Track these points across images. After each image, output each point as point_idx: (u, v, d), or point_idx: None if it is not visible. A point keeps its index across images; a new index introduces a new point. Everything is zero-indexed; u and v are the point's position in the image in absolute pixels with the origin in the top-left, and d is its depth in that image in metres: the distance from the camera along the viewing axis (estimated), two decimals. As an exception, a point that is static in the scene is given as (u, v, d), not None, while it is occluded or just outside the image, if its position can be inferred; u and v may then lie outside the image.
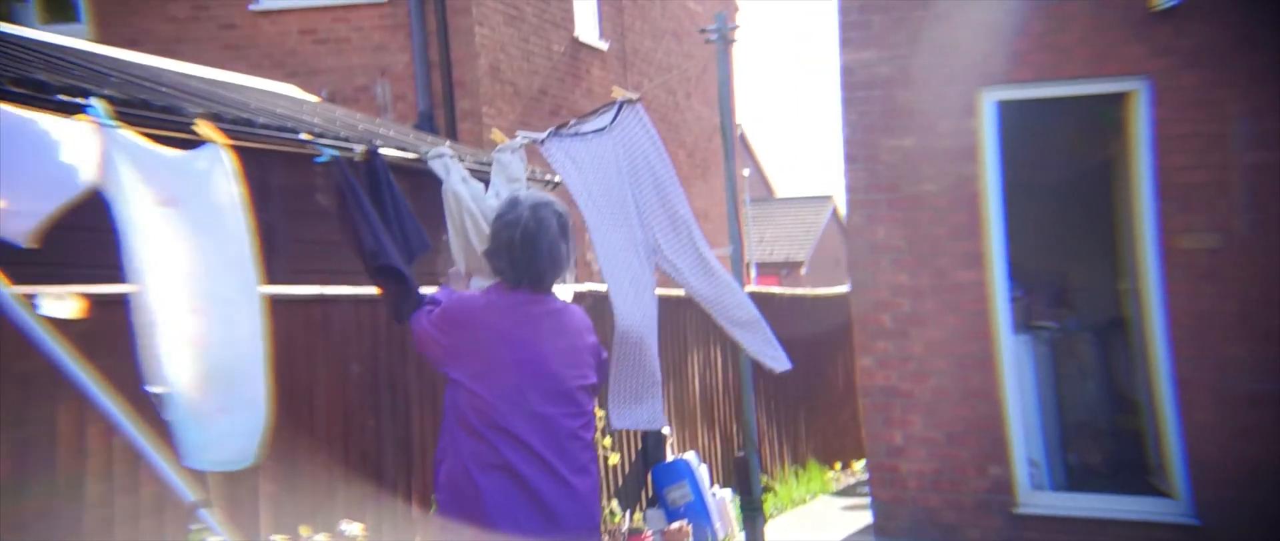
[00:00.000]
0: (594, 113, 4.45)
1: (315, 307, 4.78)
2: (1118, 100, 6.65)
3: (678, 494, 6.68)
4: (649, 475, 6.80)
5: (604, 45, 13.26)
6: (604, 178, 4.18)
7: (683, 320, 8.14)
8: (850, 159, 6.87)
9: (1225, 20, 6.17)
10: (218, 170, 3.33)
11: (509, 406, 3.25)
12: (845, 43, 6.93)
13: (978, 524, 6.55)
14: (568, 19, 12.78)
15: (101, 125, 3.03)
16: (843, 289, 11.05)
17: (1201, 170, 6.19)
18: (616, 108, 4.39)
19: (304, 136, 4.26)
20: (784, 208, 34.84)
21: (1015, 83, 6.58)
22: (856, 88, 6.86)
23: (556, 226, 3.40)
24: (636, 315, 4.09)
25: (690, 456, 6.87)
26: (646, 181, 4.28)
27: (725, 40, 7.40)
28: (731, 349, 8.48)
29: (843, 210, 7.43)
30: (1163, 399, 6.30)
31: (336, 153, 3.69)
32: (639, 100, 4.40)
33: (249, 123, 5.69)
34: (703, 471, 6.94)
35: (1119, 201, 7.19)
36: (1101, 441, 7.84)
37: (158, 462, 3.05)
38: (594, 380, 3.51)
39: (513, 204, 3.47)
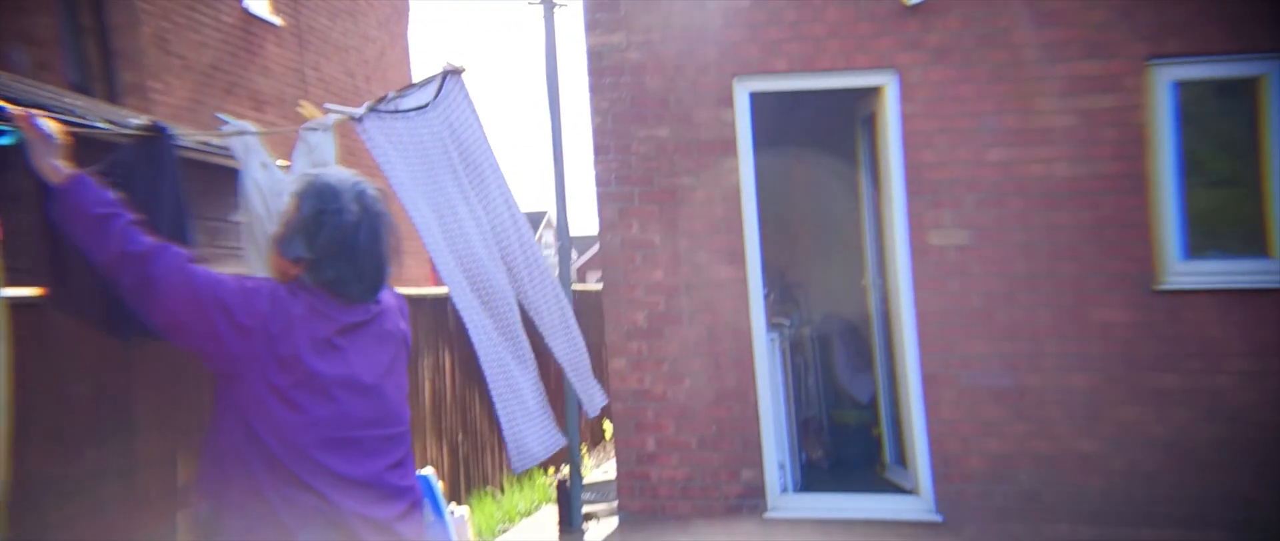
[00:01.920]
0: (414, 85, 3.82)
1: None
2: (868, 94, 6.60)
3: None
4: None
5: (278, 20, 12.30)
6: (429, 166, 3.59)
7: (413, 323, 7.54)
8: (600, 149, 6.49)
9: (970, 16, 6.19)
10: None
11: (324, 437, 2.53)
12: (591, 25, 6.54)
13: (728, 530, 6.33)
14: (234, -13, 11.64)
15: None
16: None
17: (949, 166, 6.19)
18: (440, 79, 3.81)
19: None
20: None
21: (769, 73, 6.39)
22: (604, 73, 6.49)
23: (386, 214, 2.70)
24: (490, 327, 3.56)
25: (428, 473, 6.35)
26: (473, 169, 3.74)
27: (551, 3, 6.82)
28: (460, 352, 7.97)
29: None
30: (909, 395, 6.27)
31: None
32: (464, 71, 3.84)
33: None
34: (439, 489, 6.44)
35: (863, 197, 7.16)
36: (822, 438, 7.90)
37: None
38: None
39: (330, 193, 2.63)
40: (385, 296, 2.82)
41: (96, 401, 3.84)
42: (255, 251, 3.57)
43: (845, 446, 7.95)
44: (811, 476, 7.31)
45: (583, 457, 10.84)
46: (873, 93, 6.49)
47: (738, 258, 6.39)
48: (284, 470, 2.48)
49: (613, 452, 11.72)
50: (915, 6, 6.18)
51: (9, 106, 2.67)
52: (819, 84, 6.43)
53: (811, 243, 8.88)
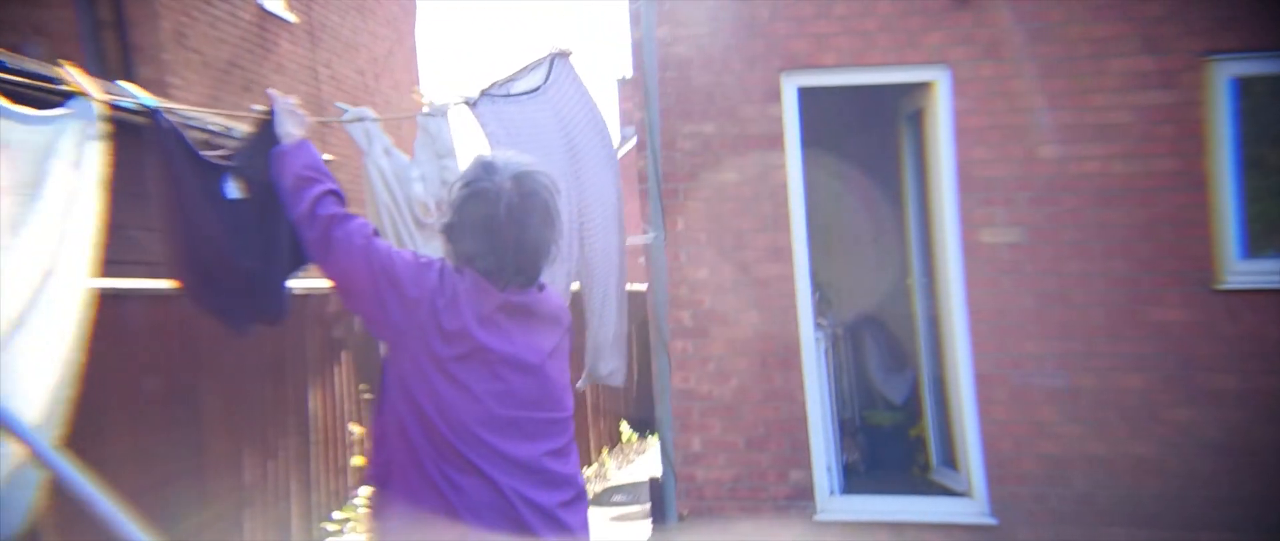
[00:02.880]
0: (523, 69, 3.75)
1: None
2: (914, 90, 6.50)
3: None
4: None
5: (292, 17, 12.22)
6: (544, 150, 3.50)
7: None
8: (643, 145, 6.39)
9: (1023, 11, 6.09)
10: (81, 137, 2.43)
11: (488, 414, 2.49)
12: (636, 19, 6.44)
13: (778, 533, 6.23)
14: (252, -16, 11.56)
15: None
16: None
17: (1001, 163, 6.09)
18: (549, 62, 3.72)
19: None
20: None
21: (818, 68, 6.29)
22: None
23: (547, 202, 2.60)
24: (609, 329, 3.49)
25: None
26: (583, 155, 3.65)
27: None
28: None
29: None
30: (961, 396, 6.17)
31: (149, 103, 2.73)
32: (572, 53, 3.75)
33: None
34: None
35: (907, 195, 7.06)
36: (857, 440, 7.79)
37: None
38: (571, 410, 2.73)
39: (487, 169, 2.59)
40: (548, 290, 2.74)
41: (168, 396, 3.74)
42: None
43: (880, 448, 7.84)
44: (850, 479, 7.21)
45: (604, 459, 10.75)
46: (920, 88, 6.39)
47: (784, 255, 6.29)
48: (448, 448, 2.46)
49: (631, 455, 11.63)
50: (967, 0, 6.08)
51: (272, 91, 3.02)
52: (869, 79, 6.33)
53: (843, 242, 8.76)
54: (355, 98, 13.35)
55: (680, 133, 6.36)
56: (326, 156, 3.68)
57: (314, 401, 5.12)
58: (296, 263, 3.10)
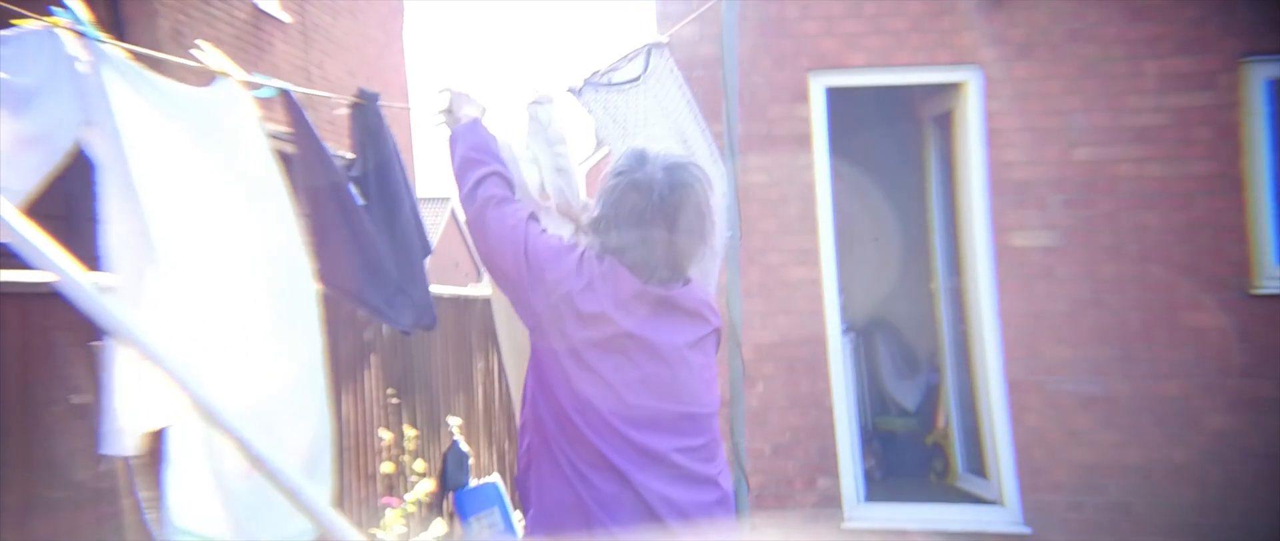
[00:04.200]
0: (620, 59, 3.61)
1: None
2: (941, 92, 6.39)
3: (485, 523, 5.88)
4: (450, 501, 5.96)
5: (286, 17, 12.08)
6: (656, 138, 3.36)
7: (468, 323, 7.32)
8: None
9: (1058, 11, 5.99)
10: (244, 117, 2.29)
11: (624, 403, 2.38)
12: (663, 17, 6.32)
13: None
14: (247, -16, 11.41)
15: (83, 36, 1.93)
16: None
17: (1034, 166, 5.98)
18: (646, 53, 3.59)
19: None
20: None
21: (847, 68, 6.17)
22: (676, 68, 6.26)
23: (700, 196, 2.47)
24: None
25: (495, 479, 6.09)
26: (692, 145, 3.51)
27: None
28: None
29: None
30: (992, 402, 6.04)
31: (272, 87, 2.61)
32: (667, 42, 3.62)
33: None
34: (506, 496, 6.18)
35: (931, 197, 6.95)
36: (873, 446, 7.67)
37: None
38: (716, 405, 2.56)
39: (639, 159, 2.48)
40: (694, 285, 2.60)
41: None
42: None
43: (895, 455, 7.71)
44: (870, 486, 7.07)
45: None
46: (949, 89, 6.28)
47: (812, 258, 6.16)
48: (584, 443, 2.36)
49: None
50: (1001, 1, 5.97)
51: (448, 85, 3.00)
52: (899, 79, 6.22)
53: (854, 244, 8.65)
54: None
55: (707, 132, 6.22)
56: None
57: (345, 405, 4.97)
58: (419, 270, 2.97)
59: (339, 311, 5.15)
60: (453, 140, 2.85)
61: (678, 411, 2.43)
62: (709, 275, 3.73)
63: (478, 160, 2.74)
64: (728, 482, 2.53)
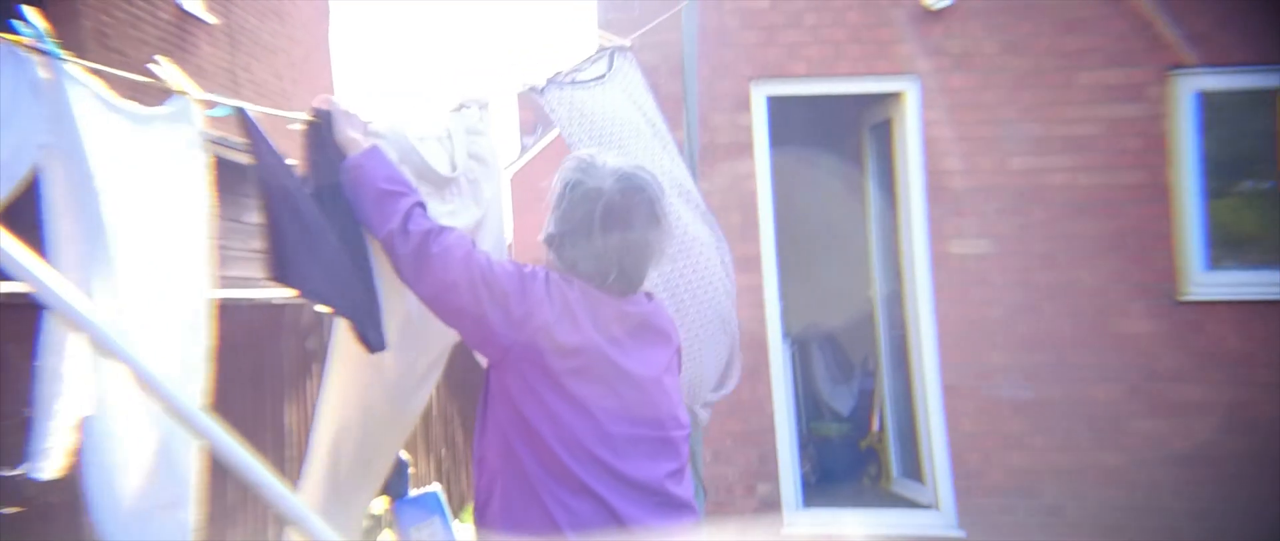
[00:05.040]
0: (584, 61, 3.58)
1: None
2: (880, 101, 6.48)
3: (425, 533, 5.83)
4: (391, 510, 5.90)
5: (212, 19, 11.88)
6: (630, 134, 3.33)
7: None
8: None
9: (992, 24, 6.11)
10: (187, 137, 2.24)
11: (605, 432, 2.31)
12: (604, 25, 6.33)
13: (745, 547, 6.14)
14: (170, -17, 11.19)
15: (45, 53, 1.89)
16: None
17: (971, 175, 6.09)
18: (609, 56, 3.56)
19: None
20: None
21: (788, 77, 6.23)
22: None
23: (652, 202, 2.43)
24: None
25: (436, 489, 6.05)
26: (666, 140, 3.49)
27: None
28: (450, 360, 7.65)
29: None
30: (929, 407, 6.14)
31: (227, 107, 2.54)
32: (630, 46, 3.59)
33: None
34: (447, 506, 6.14)
35: (869, 205, 7.04)
36: (809, 451, 7.75)
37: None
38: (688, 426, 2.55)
39: (587, 169, 2.43)
40: (657, 302, 2.58)
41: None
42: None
43: (829, 460, 7.80)
44: (805, 491, 7.14)
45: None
46: (887, 99, 6.37)
47: (754, 265, 6.21)
48: (562, 469, 2.29)
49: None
50: (938, 11, 6.07)
51: (328, 96, 2.70)
52: (839, 89, 6.29)
53: (789, 253, 8.73)
54: (274, 102, 12.99)
55: (648, 140, 6.23)
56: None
57: (289, 415, 4.91)
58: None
59: (282, 322, 5.10)
60: (356, 170, 2.58)
61: (657, 436, 2.40)
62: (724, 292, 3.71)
63: (397, 192, 2.54)
64: (697, 505, 2.52)
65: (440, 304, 2.44)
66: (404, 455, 6.14)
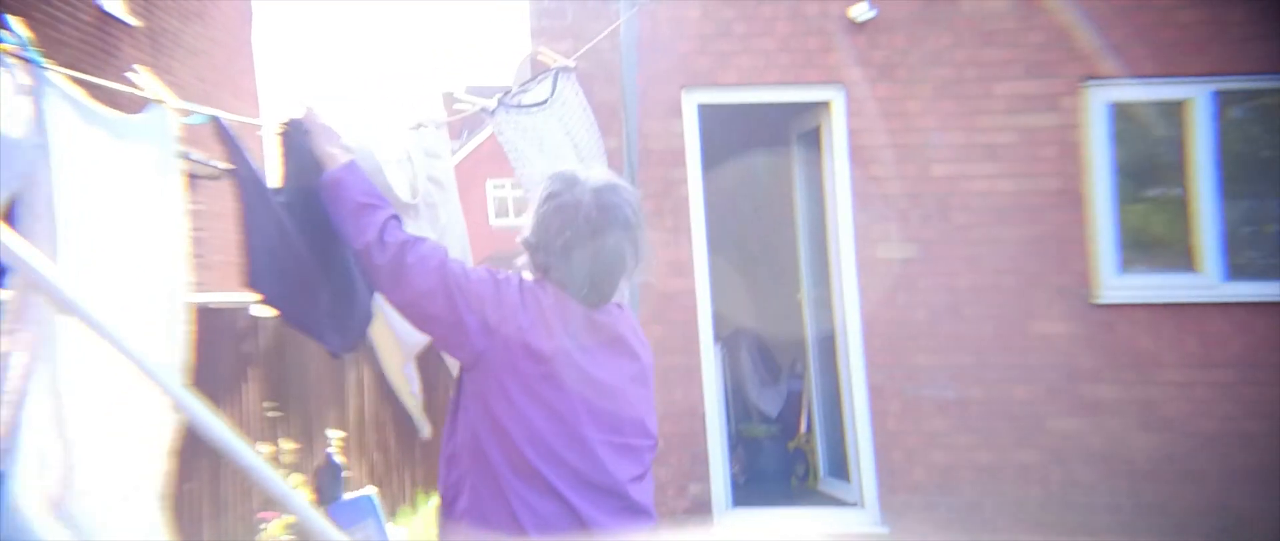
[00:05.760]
0: (530, 81, 3.64)
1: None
2: (809, 109, 6.64)
3: (360, 536, 5.85)
4: (325, 515, 5.88)
5: (134, 21, 11.71)
6: (558, 161, 3.38)
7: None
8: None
9: (915, 34, 6.30)
10: (164, 145, 2.25)
11: (573, 435, 2.38)
12: (537, 32, 6.41)
13: (677, 546, 6.24)
14: (90, -15, 10.99)
15: (27, 62, 1.90)
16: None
17: (896, 181, 6.27)
18: (553, 76, 3.61)
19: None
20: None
21: (719, 85, 6.36)
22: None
23: (628, 216, 2.51)
24: None
25: (370, 492, 6.07)
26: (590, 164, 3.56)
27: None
28: (375, 368, 7.64)
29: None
30: (856, 408, 6.30)
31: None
32: (575, 67, 3.65)
33: None
34: (382, 509, 6.16)
35: (798, 211, 7.20)
36: (738, 452, 7.88)
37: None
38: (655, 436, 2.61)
39: (568, 182, 2.51)
40: (626, 310, 2.66)
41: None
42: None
43: (758, 461, 7.94)
44: (735, 491, 7.26)
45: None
46: (816, 107, 6.53)
47: (686, 269, 6.33)
48: (529, 469, 2.36)
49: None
50: (863, 23, 6.24)
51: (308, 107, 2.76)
52: (768, 97, 6.44)
53: (720, 257, 8.86)
54: (197, 105, 12.79)
55: (581, 146, 6.32)
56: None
57: (225, 419, 4.90)
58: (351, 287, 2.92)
59: (218, 326, 5.09)
60: (335, 185, 2.64)
61: (622, 443, 2.47)
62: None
63: (374, 205, 2.61)
64: (653, 513, 2.57)
65: (416, 311, 2.53)
66: (339, 459, 6.16)
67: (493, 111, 3.42)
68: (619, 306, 2.64)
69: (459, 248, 3.27)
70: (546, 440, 2.38)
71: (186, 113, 2.52)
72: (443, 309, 2.44)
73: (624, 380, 2.53)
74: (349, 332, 2.87)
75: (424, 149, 3.15)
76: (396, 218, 2.61)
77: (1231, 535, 5.90)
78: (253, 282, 2.56)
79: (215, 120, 2.56)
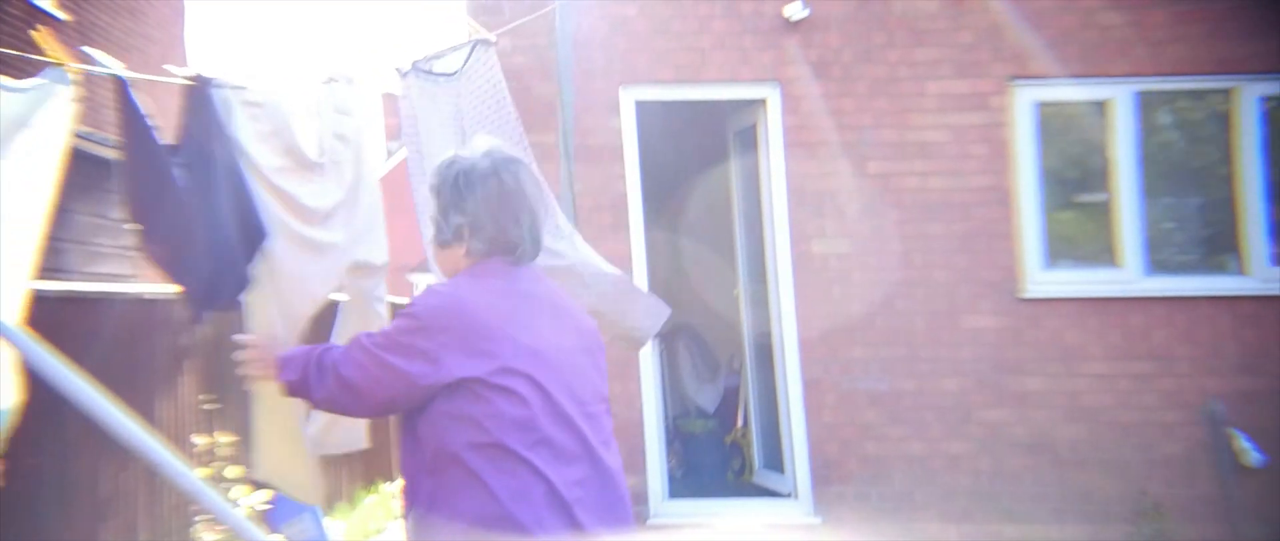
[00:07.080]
0: (447, 48, 3.65)
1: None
2: (746, 107, 6.73)
3: (296, 529, 5.83)
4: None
5: (63, 16, 11.51)
6: (446, 135, 3.39)
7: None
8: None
9: (848, 33, 6.42)
10: (55, 110, 2.20)
11: (531, 416, 2.36)
12: (474, 32, 6.42)
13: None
14: (13, -22, 10.76)
15: None
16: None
17: (831, 177, 6.38)
18: (470, 48, 3.62)
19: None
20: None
21: (656, 82, 6.44)
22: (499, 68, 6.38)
23: (524, 166, 2.56)
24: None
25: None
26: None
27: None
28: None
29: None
30: (790, 400, 6.41)
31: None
32: (495, 42, 3.66)
33: None
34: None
35: (735, 207, 7.30)
36: (675, 446, 7.97)
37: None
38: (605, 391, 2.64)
39: (459, 159, 2.53)
40: (551, 281, 2.68)
41: (34, 408, 3.50)
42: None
43: (695, 455, 8.03)
44: (672, 484, 7.34)
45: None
46: (752, 105, 6.62)
47: (623, 264, 6.34)
48: (500, 449, 2.35)
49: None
50: (797, 22, 6.35)
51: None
52: (705, 95, 6.52)
53: (658, 253, 8.93)
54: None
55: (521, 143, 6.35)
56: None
57: (162, 412, 4.88)
58: (237, 252, 2.92)
59: (155, 317, 5.06)
60: (298, 386, 2.57)
61: (582, 411, 2.48)
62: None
63: (314, 366, 2.54)
64: (622, 476, 2.60)
65: (375, 402, 2.49)
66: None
67: (405, 73, 3.44)
68: (550, 280, 2.66)
69: (369, 206, 3.27)
70: (513, 419, 2.37)
71: (89, 61, 2.51)
72: (389, 383, 2.42)
73: (571, 350, 2.54)
74: (219, 295, 2.86)
75: (334, 104, 3.17)
76: (329, 350, 2.58)
77: (1151, 520, 6.10)
78: (144, 244, 2.55)
79: (117, 78, 2.55)
